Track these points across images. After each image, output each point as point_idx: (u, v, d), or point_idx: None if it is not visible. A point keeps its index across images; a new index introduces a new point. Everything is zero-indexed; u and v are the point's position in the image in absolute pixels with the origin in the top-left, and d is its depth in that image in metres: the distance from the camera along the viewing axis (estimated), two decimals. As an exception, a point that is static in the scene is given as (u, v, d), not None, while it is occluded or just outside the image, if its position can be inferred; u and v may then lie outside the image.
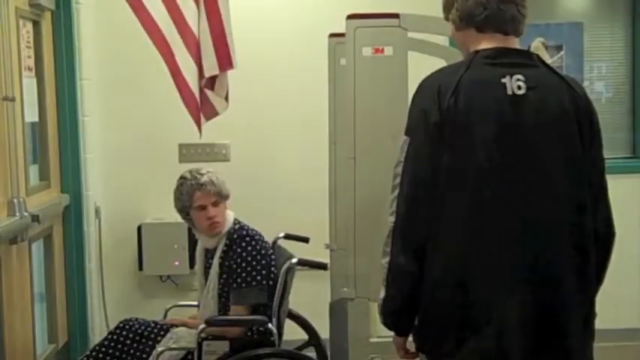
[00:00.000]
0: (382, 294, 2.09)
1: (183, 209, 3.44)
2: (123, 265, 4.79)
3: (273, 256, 3.43)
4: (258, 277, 3.33)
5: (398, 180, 2.03)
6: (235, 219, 3.47)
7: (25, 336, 3.64)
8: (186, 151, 4.75)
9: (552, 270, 2.00)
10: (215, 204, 3.39)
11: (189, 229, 4.05)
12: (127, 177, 4.75)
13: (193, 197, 3.38)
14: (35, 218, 3.58)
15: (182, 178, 3.44)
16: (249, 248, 3.36)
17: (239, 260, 3.34)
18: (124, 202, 4.77)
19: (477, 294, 1.97)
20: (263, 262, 3.35)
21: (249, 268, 3.33)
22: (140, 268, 4.72)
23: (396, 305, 2.08)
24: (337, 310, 3.66)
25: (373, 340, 2.99)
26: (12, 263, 3.46)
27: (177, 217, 3.55)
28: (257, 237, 3.42)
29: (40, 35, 4.06)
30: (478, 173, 1.97)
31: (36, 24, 4.02)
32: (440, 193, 1.98)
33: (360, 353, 2.94)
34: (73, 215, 4.37)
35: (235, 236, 3.39)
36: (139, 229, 4.67)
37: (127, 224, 4.70)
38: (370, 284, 2.63)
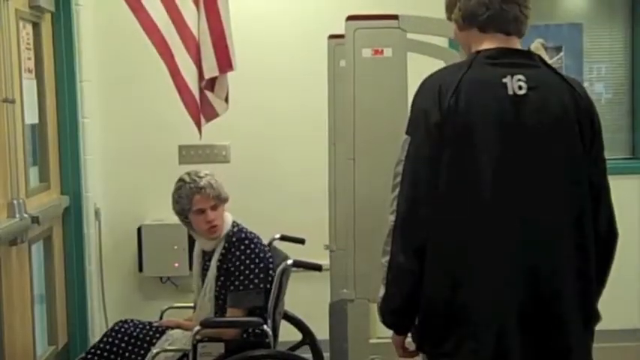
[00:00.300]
0: (382, 292, 2.09)
1: (182, 212, 3.42)
2: (123, 267, 4.78)
3: (271, 259, 3.42)
4: (256, 281, 3.32)
5: (398, 179, 2.03)
6: (234, 221, 3.46)
7: (24, 337, 3.63)
8: (186, 153, 4.74)
9: (552, 270, 1.99)
10: (214, 207, 3.37)
11: (189, 231, 4.04)
12: (126, 178, 4.75)
13: (192, 201, 3.36)
14: (35, 220, 3.58)
15: (180, 180, 3.42)
16: (248, 251, 3.35)
17: (237, 263, 3.33)
18: (124, 203, 4.76)
19: (477, 294, 1.97)
20: (261, 265, 3.35)
21: (247, 271, 3.32)
22: (140, 269, 4.71)
23: (395, 304, 2.08)
24: (337, 311, 3.66)
25: (373, 341, 3.00)
26: (12, 265, 3.46)
27: (177, 219, 3.53)
28: (255, 240, 3.41)
29: (40, 37, 4.06)
30: (478, 173, 1.97)
31: (36, 26, 4.01)
32: (440, 193, 1.98)
33: (359, 354, 2.94)
34: (72, 217, 4.36)
35: (234, 239, 3.38)
36: (139, 230, 4.66)
37: (127, 226, 4.70)
38: (370, 285, 2.62)
